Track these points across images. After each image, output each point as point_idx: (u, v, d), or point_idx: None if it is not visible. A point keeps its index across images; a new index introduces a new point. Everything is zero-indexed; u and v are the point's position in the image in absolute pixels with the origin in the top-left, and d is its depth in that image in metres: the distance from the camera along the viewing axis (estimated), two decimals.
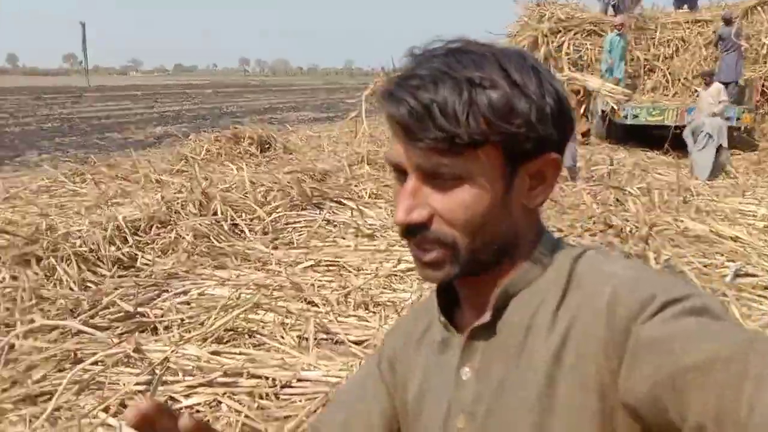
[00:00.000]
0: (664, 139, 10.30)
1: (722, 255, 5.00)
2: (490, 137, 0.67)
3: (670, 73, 11.98)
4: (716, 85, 9.57)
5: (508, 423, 0.70)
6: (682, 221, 5.85)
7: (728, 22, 10.81)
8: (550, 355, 0.68)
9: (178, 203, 6.13)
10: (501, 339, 0.73)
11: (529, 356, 0.70)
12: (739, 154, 10.41)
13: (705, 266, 4.72)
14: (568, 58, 12.38)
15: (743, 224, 5.92)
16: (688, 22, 11.98)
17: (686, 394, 0.52)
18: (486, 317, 0.74)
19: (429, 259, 0.72)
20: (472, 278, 0.75)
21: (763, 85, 11.28)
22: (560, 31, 12.52)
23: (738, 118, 10.37)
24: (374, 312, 4.16)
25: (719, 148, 8.81)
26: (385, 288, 4.56)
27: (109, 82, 63.74)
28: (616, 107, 10.80)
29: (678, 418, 0.53)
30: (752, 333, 0.56)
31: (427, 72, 0.66)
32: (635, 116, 10.98)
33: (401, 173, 0.72)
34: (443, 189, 0.69)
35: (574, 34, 12.47)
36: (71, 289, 4.28)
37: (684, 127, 9.50)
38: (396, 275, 4.81)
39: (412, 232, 0.71)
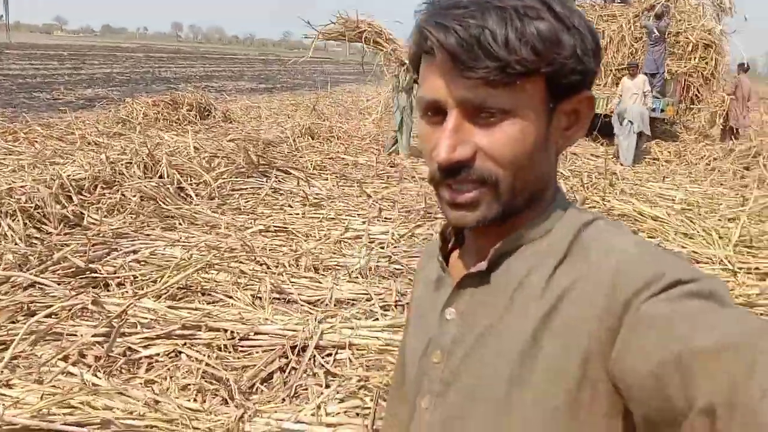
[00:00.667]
0: (593, 126, 10.84)
1: (644, 232, 5.45)
2: (540, 67, 0.64)
3: (603, 65, 12.57)
4: (641, 77, 10.16)
5: (484, 370, 0.70)
6: (608, 201, 6.29)
7: (657, 16, 11.45)
8: (540, 314, 0.66)
9: (122, 164, 6.06)
10: (492, 289, 0.72)
11: (517, 312, 0.68)
12: (662, 144, 11.10)
13: None
14: None
15: (663, 206, 6.42)
16: (622, 15, 12.57)
17: (695, 377, 0.51)
18: (482, 265, 0.72)
19: (465, 200, 0.68)
20: (490, 226, 0.71)
21: (686, 80, 12.06)
22: None
23: (662, 110, 11.05)
24: (324, 275, 4.33)
25: (641, 134, 9.43)
26: (334, 253, 4.73)
27: (31, 40, 60.06)
28: None
29: (682, 399, 0.52)
30: (762, 321, 0.55)
31: (470, 1, 0.65)
32: None
33: (436, 113, 0.68)
34: (489, 124, 0.66)
35: None
36: (16, 244, 4.23)
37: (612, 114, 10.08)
38: (345, 242, 4.99)
39: (454, 171, 0.67)
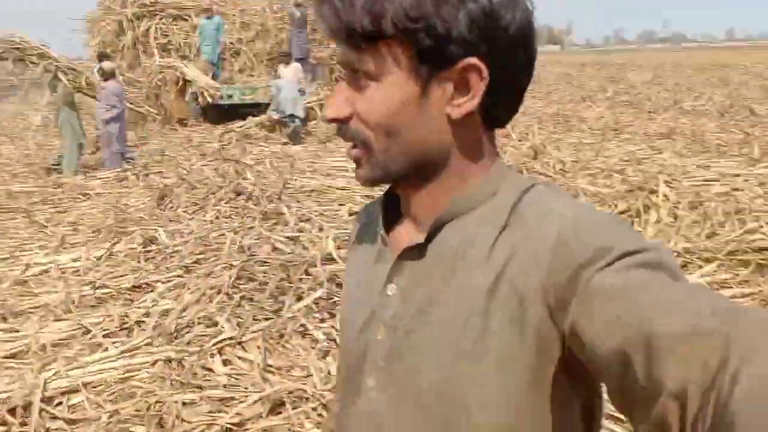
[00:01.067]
0: (257, 115, 11.18)
1: (336, 202, 5.95)
2: (384, 29, 0.65)
3: (254, 56, 13.03)
4: (294, 64, 10.91)
5: (430, 345, 0.68)
6: (296, 180, 6.66)
7: (296, 4, 12.29)
8: (485, 286, 0.66)
9: None
10: (431, 263, 0.71)
11: (460, 284, 0.68)
12: (323, 125, 11.99)
13: (325, 211, 5.57)
14: (158, 43, 12.34)
15: (343, 177, 7.06)
16: (265, 9, 13.14)
17: (663, 359, 0.50)
18: (420, 238, 0.72)
19: (352, 156, 0.72)
20: (408, 190, 0.74)
21: (331, 65, 13.26)
22: (146, 16, 12.36)
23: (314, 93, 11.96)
24: (19, 321, 3.71)
25: (293, 117, 10.12)
26: (22, 295, 4.08)
27: None
28: (210, 99, 11.42)
29: (648, 379, 0.51)
30: (727, 301, 0.54)
31: None
32: (230, 96, 11.69)
33: None
34: (361, 87, 0.68)
35: (160, 19, 12.46)
36: None
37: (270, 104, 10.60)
38: (32, 280, 4.33)
39: (340, 129, 0.71)
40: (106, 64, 8.58)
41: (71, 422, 2.65)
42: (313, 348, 3.12)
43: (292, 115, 10.12)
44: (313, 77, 12.33)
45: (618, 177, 6.28)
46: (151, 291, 3.92)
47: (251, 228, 4.90)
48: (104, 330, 3.46)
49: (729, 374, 0.47)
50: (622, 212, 5.06)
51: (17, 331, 3.54)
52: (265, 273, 3.96)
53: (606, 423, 2.34)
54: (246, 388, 2.77)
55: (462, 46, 0.65)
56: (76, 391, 2.84)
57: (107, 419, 2.62)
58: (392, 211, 0.78)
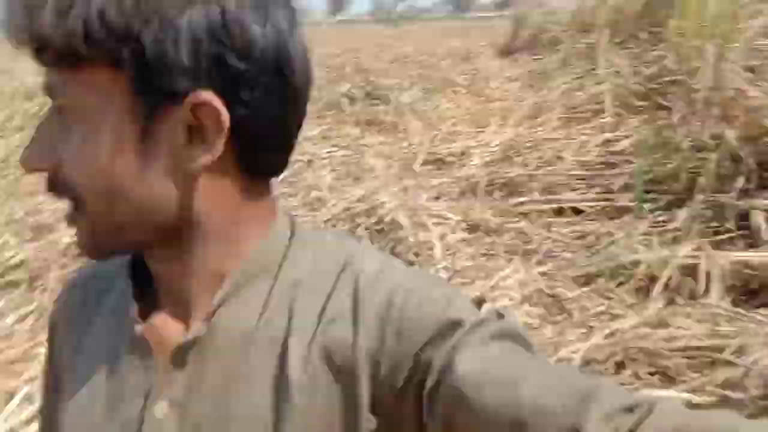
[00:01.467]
0: None
1: None
2: (76, 46, 0.48)
3: None
4: None
5: None
6: None
7: None
8: (293, 373, 0.53)
9: None
10: (215, 360, 0.55)
11: (259, 377, 0.54)
12: None
13: None
14: None
15: None
16: None
17: None
18: (200, 330, 0.55)
19: (67, 219, 0.55)
20: (160, 264, 0.58)
21: None
22: None
23: None
24: None
25: None
26: None
27: None
28: None
29: None
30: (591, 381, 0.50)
31: None
32: None
33: None
34: (64, 127, 0.52)
35: None
36: None
37: None
38: None
39: (49, 183, 0.54)
40: None
41: None
42: None
43: None
44: None
45: None
46: None
47: None
48: None
49: None
50: None
51: None
52: None
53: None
54: None
55: (186, 75, 0.49)
56: None
57: None
58: (137, 287, 0.59)
